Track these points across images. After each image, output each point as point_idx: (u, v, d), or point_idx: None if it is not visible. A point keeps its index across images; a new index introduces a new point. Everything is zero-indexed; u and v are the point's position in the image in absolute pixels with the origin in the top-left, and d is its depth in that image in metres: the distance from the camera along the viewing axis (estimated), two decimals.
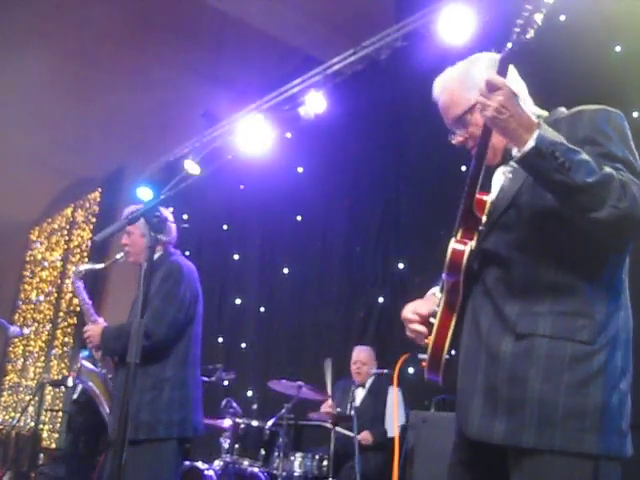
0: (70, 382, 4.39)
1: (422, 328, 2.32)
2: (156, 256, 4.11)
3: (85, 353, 4.39)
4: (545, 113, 2.32)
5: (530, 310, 2.06)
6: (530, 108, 2.30)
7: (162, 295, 3.94)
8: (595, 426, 1.95)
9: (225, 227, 9.73)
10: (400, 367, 2.70)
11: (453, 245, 2.22)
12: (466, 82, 2.33)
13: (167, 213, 4.22)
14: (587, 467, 1.95)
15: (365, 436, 5.89)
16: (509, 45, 2.03)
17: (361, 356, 6.43)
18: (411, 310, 2.38)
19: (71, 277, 4.47)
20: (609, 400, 1.98)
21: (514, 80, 2.29)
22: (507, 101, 1.98)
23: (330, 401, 6.16)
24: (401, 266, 6.92)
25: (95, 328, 4.14)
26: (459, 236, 2.25)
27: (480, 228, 2.25)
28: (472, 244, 2.22)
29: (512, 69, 2.26)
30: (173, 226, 4.34)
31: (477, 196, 2.22)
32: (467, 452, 2.22)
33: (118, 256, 4.32)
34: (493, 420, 2.03)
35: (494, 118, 2.00)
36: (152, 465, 3.78)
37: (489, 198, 2.26)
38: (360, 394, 6.28)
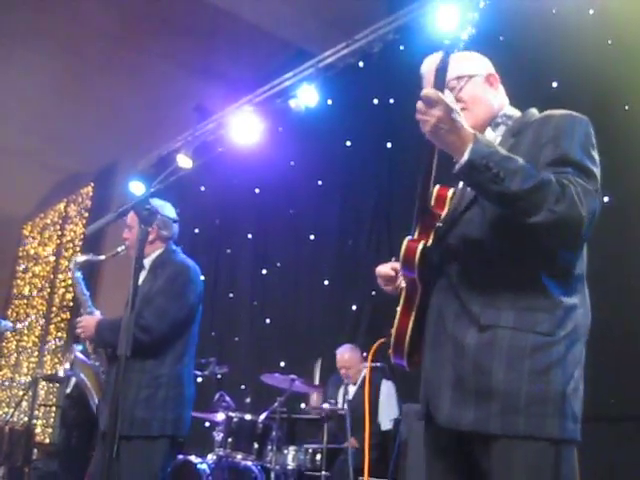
0: (61, 373, 4.37)
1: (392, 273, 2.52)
2: (158, 252, 4.17)
3: (79, 347, 4.36)
4: (517, 113, 2.46)
5: (493, 304, 2.15)
6: (503, 106, 2.48)
7: (167, 293, 3.95)
8: (556, 412, 2.05)
9: (217, 221, 9.72)
10: (374, 352, 2.82)
11: (406, 242, 2.33)
12: (469, 58, 2.52)
13: (170, 211, 4.24)
14: (550, 450, 2.05)
15: (351, 443, 5.79)
16: (441, 55, 2.17)
17: (344, 360, 6.41)
18: (389, 266, 2.55)
19: (70, 267, 4.43)
20: (567, 388, 2.08)
21: (477, 67, 2.50)
22: (444, 115, 2.05)
23: (315, 395, 6.18)
24: (393, 259, 6.90)
25: (90, 319, 4.13)
26: (416, 234, 2.37)
27: (438, 224, 2.36)
28: (429, 240, 2.33)
29: (474, 60, 2.52)
30: (175, 224, 4.30)
31: (438, 191, 2.39)
32: (436, 438, 2.31)
33: (119, 249, 4.30)
34: (462, 409, 2.12)
35: (432, 132, 2.09)
36: (144, 461, 3.78)
37: (450, 193, 2.42)
38: (352, 389, 6.27)
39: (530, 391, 2.05)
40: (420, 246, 2.29)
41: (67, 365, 4.34)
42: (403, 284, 2.44)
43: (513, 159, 2.03)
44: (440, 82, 2.14)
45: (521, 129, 2.32)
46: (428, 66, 2.47)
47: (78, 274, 4.44)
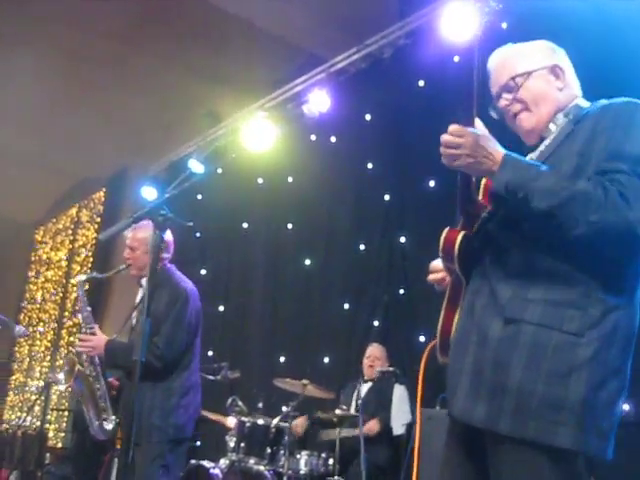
0: (62, 383, 4.49)
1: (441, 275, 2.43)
2: None
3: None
4: (587, 104, 2.33)
5: (523, 295, 2.04)
6: (573, 99, 2.35)
7: (172, 320, 4.15)
8: (573, 421, 1.91)
9: (229, 226, 9.72)
10: (428, 356, 2.72)
11: (446, 231, 2.27)
12: (525, 52, 2.39)
13: (168, 233, 4.29)
14: (558, 461, 1.94)
15: (371, 426, 5.87)
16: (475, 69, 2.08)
17: (376, 352, 6.45)
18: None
19: (76, 285, 4.62)
20: (591, 397, 1.93)
21: (537, 61, 2.35)
22: (471, 148, 2.03)
23: (302, 418, 6.29)
24: (406, 264, 6.91)
25: (99, 339, 4.31)
26: (459, 225, 2.30)
27: (484, 215, 2.26)
28: (473, 230, 2.25)
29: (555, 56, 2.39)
30: (172, 245, 4.47)
31: (486, 183, 2.22)
32: (457, 431, 2.23)
33: (121, 267, 4.47)
34: (475, 402, 2.03)
35: (465, 167, 2.07)
36: (165, 464, 4.07)
37: None
38: (365, 388, 6.26)
39: (546, 393, 1.93)
40: (460, 235, 2.22)
41: (65, 375, 4.43)
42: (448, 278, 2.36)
43: (541, 176, 1.96)
44: (470, 112, 2.09)
45: (582, 118, 2.20)
46: (495, 61, 2.41)
47: (83, 291, 4.61)
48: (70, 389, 4.42)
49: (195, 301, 4.34)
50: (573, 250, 2.00)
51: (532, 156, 2.30)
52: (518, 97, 2.32)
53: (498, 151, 2.04)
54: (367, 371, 6.35)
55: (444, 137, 2.06)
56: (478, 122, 2.15)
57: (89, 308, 4.52)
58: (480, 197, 2.24)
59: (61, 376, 4.46)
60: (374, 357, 6.40)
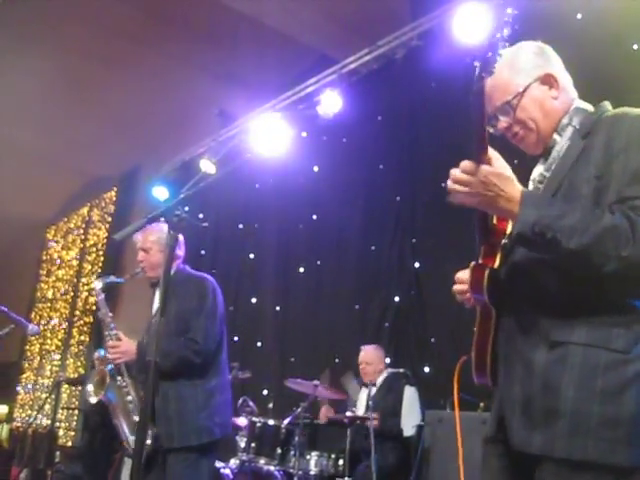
0: (93, 398, 4.36)
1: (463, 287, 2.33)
2: (172, 272, 4.15)
3: (101, 353, 4.39)
4: (589, 107, 2.29)
5: (565, 319, 2.01)
6: (570, 104, 2.29)
7: (205, 313, 4.12)
8: (627, 437, 1.89)
9: (241, 226, 9.74)
10: (460, 371, 2.70)
11: (472, 267, 2.20)
12: (515, 66, 2.30)
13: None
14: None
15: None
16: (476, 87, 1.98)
17: (366, 356, 6.35)
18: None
19: (96, 291, 4.54)
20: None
21: (527, 74, 2.28)
22: (483, 187, 1.98)
23: (326, 406, 6.21)
24: (417, 265, 6.90)
25: (128, 344, 4.22)
26: (480, 256, 2.25)
27: (504, 242, 2.23)
28: (496, 261, 2.21)
29: (549, 60, 2.32)
30: (183, 244, 4.43)
31: None
32: (498, 457, 2.20)
33: (137, 270, 4.42)
34: (532, 430, 2.00)
35: (479, 204, 2.03)
36: (211, 462, 4.17)
37: None
38: (372, 391, 6.24)
39: (601, 413, 1.91)
40: (487, 272, 2.16)
41: (95, 387, 4.33)
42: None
43: (567, 213, 1.92)
44: (480, 135, 2.00)
45: (591, 129, 2.14)
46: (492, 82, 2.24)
47: (101, 297, 4.52)
48: (101, 401, 4.29)
49: (220, 295, 4.29)
50: (607, 278, 1.96)
51: (542, 169, 2.27)
52: (516, 119, 2.27)
53: (514, 188, 1.99)
54: (363, 377, 6.28)
55: (453, 174, 2.03)
56: (493, 154, 2.08)
57: (110, 314, 4.43)
58: (495, 222, 2.23)
59: (90, 388, 4.31)
60: (364, 363, 6.30)
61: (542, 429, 1.97)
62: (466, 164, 2.00)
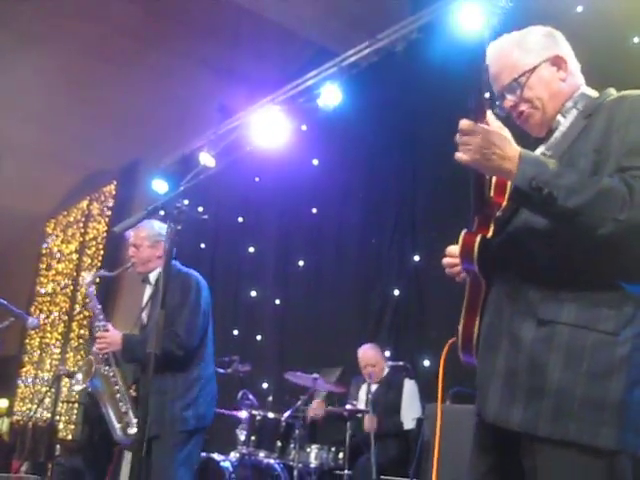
0: (80, 383, 4.49)
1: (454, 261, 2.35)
2: (159, 269, 4.32)
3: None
4: (594, 94, 2.30)
5: (555, 296, 2.01)
6: (577, 88, 2.31)
7: (189, 308, 4.20)
8: (614, 420, 1.89)
9: (240, 219, 9.73)
10: (447, 352, 2.69)
11: (463, 235, 2.20)
12: (524, 47, 2.33)
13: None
14: (601, 462, 1.91)
15: (368, 423, 5.78)
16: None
17: (369, 358, 6.29)
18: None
19: (84, 284, 4.73)
20: (630, 395, 1.91)
21: (536, 55, 2.30)
22: (483, 143, 1.97)
23: (318, 401, 6.21)
24: (417, 259, 6.90)
25: (114, 335, 4.33)
26: (474, 226, 2.23)
27: (498, 214, 2.22)
28: (489, 231, 2.19)
29: (556, 43, 2.33)
30: None
31: (498, 178, 2.17)
32: (484, 434, 2.19)
33: (127, 265, 4.54)
34: (511, 406, 2.00)
35: (475, 162, 2.01)
36: (186, 453, 4.13)
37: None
38: (374, 386, 6.23)
39: (586, 394, 1.91)
40: (478, 238, 2.15)
41: (83, 375, 4.43)
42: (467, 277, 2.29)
43: (564, 173, 1.92)
44: (478, 101, 2.02)
45: (594, 110, 2.16)
46: (494, 56, 2.33)
47: (91, 289, 4.69)
48: (88, 389, 4.41)
49: (206, 290, 4.38)
50: (601, 249, 1.95)
51: (543, 149, 2.27)
52: (523, 97, 2.28)
53: (512, 148, 1.99)
54: (369, 379, 6.02)
55: (457, 135, 2.02)
56: (491, 116, 2.11)
57: (99, 306, 4.57)
58: (492, 194, 2.20)
59: (79, 376, 4.47)
60: (370, 366, 6.18)
61: (523, 405, 1.97)
62: (465, 122, 2.00)
